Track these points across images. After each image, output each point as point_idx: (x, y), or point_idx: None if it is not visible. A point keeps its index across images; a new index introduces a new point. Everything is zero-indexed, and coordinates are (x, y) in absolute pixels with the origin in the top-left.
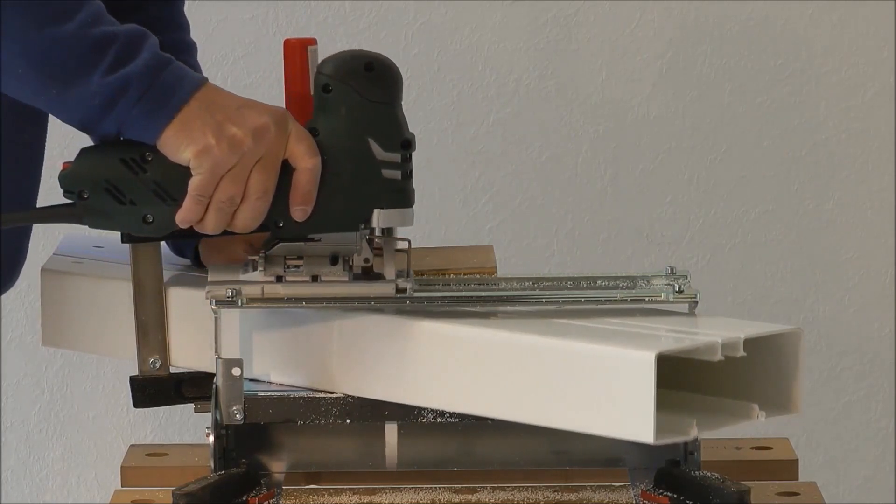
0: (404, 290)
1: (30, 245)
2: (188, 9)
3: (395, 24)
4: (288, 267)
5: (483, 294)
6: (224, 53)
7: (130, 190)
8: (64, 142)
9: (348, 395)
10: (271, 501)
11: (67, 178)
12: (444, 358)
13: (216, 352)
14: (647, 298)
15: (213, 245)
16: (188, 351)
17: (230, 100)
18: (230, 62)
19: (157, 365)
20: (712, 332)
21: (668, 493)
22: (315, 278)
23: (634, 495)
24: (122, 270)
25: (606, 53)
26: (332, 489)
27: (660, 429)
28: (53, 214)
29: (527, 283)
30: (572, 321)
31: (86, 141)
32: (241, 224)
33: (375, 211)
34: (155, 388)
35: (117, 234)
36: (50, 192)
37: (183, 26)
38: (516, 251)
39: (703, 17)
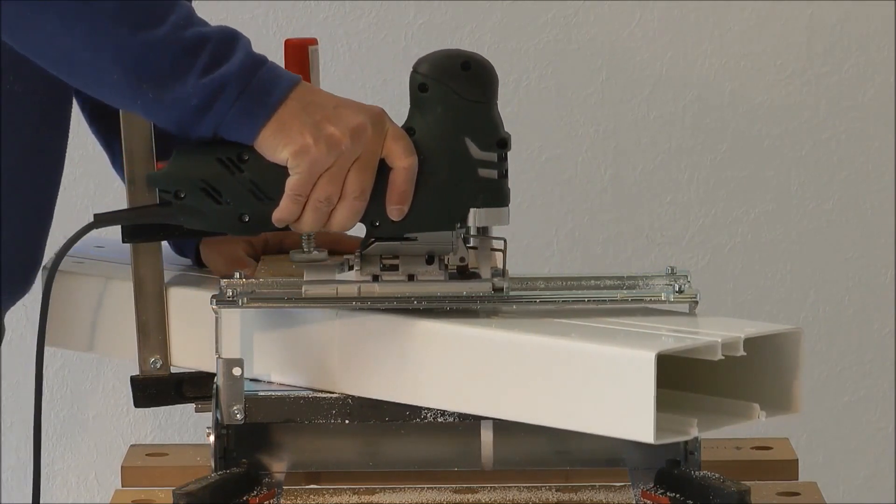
0: (501, 289)
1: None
2: None
3: (395, 24)
4: (384, 266)
5: (484, 294)
6: None
7: (227, 190)
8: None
9: (349, 395)
10: (272, 501)
11: (163, 178)
12: (444, 358)
13: (217, 351)
14: (647, 298)
15: (214, 245)
16: (189, 351)
17: (327, 99)
18: None
19: (158, 365)
20: (712, 332)
21: (669, 493)
22: (411, 277)
23: (635, 495)
24: (123, 270)
25: (606, 53)
26: (333, 489)
27: (660, 428)
28: (148, 214)
29: (527, 283)
30: (572, 321)
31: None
32: (338, 223)
33: (471, 210)
34: (155, 388)
35: (118, 234)
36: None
37: None
38: (516, 251)
39: (703, 17)
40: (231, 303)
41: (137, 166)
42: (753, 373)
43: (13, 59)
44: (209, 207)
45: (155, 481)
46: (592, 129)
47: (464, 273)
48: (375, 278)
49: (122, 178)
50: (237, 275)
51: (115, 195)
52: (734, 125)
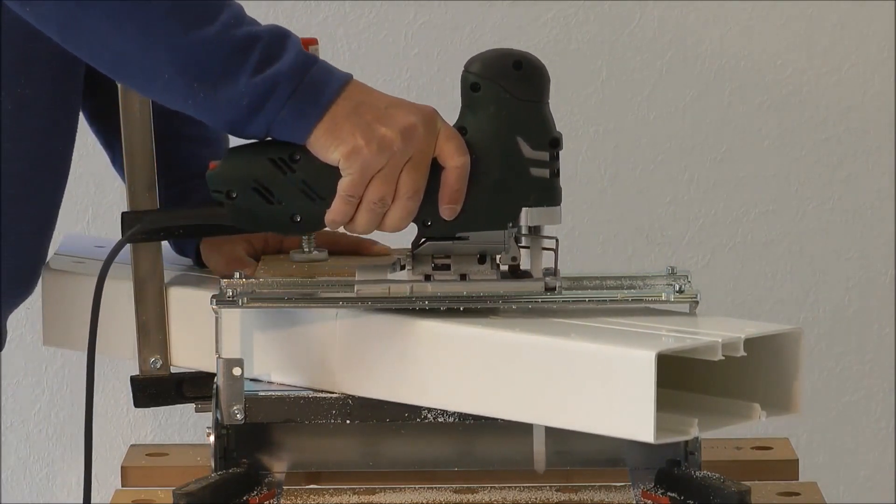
0: (553, 289)
1: None
2: None
3: (395, 24)
4: (436, 266)
5: (483, 294)
6: None
7: (279, 190)
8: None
9: (349, 395)
10: (272, 501)
11: (216, 178)
12: (444, 358)
13: (217, 351)
14: (647, 298)
15: (214, 245)
16: (189, 351)
17: (378, 98)
18: None
19: (158, 365)
20: (713, 332)
21: (669, 493)
22: (463, 277)
23: (635, 495)
24: (123, 270)
25: (606, 53)
26: (333, 489)
27: (660, 428)
28: (199, 215)
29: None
30: (573, 321)
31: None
32: (392, 224)
33: (523, 209)
34: (156, 388)
35: (118, 234)
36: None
37: None
38: None
39: (703, 17)
40: (231, 303)
41: (138, 168)
42: (753, 373)
43: (23, 62)
44: (261, 208)
45: (155, 481)
46: (592, 129)
47: (515, 272)
48: (428, 278)
49: (123, 178)
50: (237, 275)
51: (115, 195)
52: (734, 125)
